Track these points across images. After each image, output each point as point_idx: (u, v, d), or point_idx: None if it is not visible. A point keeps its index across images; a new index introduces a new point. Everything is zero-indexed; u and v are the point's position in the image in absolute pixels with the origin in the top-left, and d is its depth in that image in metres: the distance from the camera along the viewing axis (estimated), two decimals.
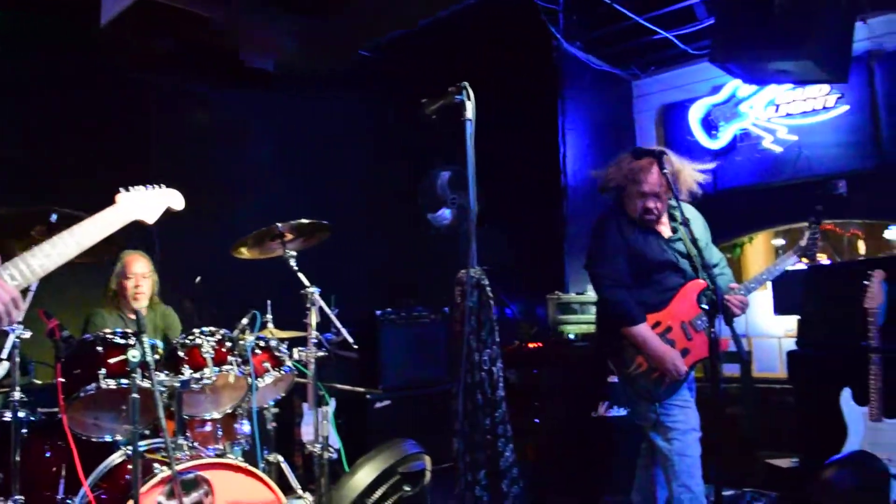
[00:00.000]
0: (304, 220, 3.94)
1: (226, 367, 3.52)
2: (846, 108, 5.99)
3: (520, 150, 6.57)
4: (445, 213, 6.31)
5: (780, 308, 5.46)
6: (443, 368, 5.44)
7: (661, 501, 3.68)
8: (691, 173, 3.59)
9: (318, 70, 6.05)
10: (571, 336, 5.41)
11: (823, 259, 6.56)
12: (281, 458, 4.18)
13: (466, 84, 2.60)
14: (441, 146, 6.02)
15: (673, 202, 3.53)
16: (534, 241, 6.68)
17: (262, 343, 3.86)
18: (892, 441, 3.78)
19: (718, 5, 5.01)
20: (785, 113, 6.30)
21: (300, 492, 4.12)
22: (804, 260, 3.84)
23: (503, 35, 6.37)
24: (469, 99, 2.59)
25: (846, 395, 3.99)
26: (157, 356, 3.34)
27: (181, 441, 3.33)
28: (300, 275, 3.94)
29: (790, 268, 3.79)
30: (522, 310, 6.32)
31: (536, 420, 4.96)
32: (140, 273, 4.29)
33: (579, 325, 5.43)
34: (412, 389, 5.35)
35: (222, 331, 3.61)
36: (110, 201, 2.85)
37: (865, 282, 3.99)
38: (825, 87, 6.03)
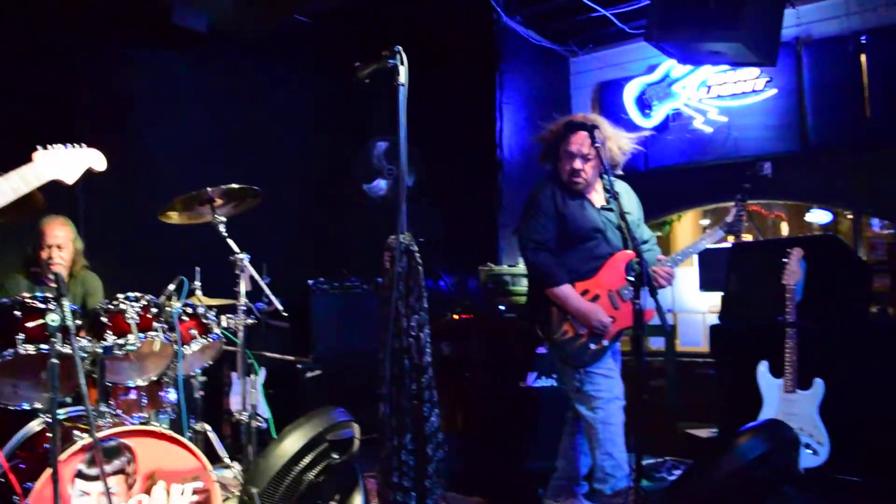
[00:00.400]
0: (234, 185, 3.86)
1: (151, 333, 3.45)
2: (774, 91, 6.15)
3: (456, 122, 6.55)
4: (381, 184, 6.26)
5: (705, 284, 5.62)
6: (375, 339, 5.41)
7: (584, 468, 3.78)
8: (617, 142, 3.63)
9: (250, 33, 5.89)
10: (502, 307, 5.46)
11: (749, 239, 6.76)
12: (208, 428, 4.14)
13: (400, 48, 2.56)
14: (379, 116, 5.97)
15: (604, 175, 3.58)
16: (468, 213, 6.69)
17: (189, 310, 3.80)
18: (803, 412, 3.96)
19: None
20: (716, 94, 6.43)
21: (227, 461, 4.09)
22: (730, 238, 3.96)
23: (443, 6, 6.32)
24: (402, 63, 2.56)
25: (763, 368, 4.14)
26: (77, 322, 3.25)
27: (103, 409, 3.26)
28: (230, 241, 3.87)
29: (716, 245, 3.88)
30: (456, 281, 6.34)
31: (468, 390, 5.00)
32: (56, 244, 4.02)
33: (511, 297, 5.47)
34: (344, 359, 5.33)
35: (148, 296, 3.52)
36: (29, 161, 2.75)
37: (784, 259, 4.13)
38: (755, 71, 6.17)
